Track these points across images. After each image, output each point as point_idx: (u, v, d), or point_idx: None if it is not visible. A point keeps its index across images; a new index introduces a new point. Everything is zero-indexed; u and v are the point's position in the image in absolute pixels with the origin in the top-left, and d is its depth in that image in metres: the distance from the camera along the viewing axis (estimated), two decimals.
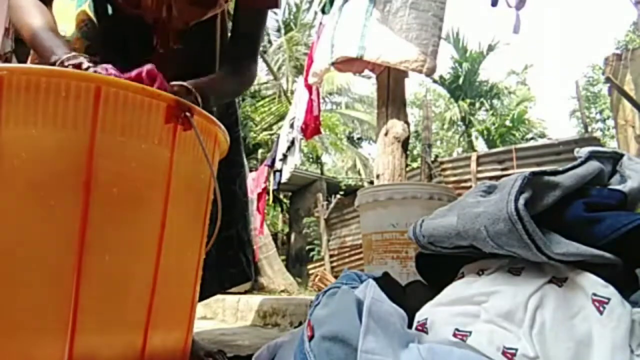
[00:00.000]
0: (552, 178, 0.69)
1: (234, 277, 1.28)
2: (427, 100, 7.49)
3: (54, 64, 0.79)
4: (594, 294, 0.58)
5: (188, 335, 0.81)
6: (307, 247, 8.23)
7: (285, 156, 4.41)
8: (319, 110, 3.89)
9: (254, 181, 5.15)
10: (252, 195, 5.08)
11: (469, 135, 13.51)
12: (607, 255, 0.63)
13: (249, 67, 1.11)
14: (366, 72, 2.60)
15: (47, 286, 0.62)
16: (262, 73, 11.96)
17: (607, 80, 4.41)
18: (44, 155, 0.64)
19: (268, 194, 5.21)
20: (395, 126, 2.39)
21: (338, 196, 7.43)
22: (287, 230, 10.68)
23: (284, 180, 4.67)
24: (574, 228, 0.66)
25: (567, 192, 0.69)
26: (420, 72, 2.09)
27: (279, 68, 11.33)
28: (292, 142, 4.21)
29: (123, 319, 0.67)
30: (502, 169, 4.71)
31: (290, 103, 6.69)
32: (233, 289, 1.44)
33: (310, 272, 6.78)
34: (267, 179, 5.00)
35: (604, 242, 0.63)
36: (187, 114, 0.73)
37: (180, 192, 0.74)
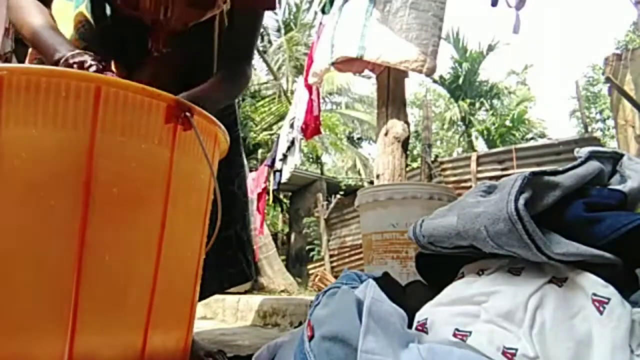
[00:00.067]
0: (552, 178, 0.69)
1: (233, 277, 1.28)
2: (427, 100, 7.49)
3: (57, 61, 0.78)
4: (594, 294, 0.58)
5: (188, 335, 0.81)
6: (307, 247, 8.23)
7: (285, 156, 4.41)
8: (319, 110, 3.89)
9: (254, 181, 5.15)
10: (252, 195, 5.08)
11: (469, 135, 13.51)
12: (607, 255, 0.63)
13: (244, 69, 1.11)
14: (366, 72, 2.60)
15: (47, 286, 0.62)
16: (262, 73, 11.97)
17: (607, 80, 4.40)
18: (44, 155, 0.64)
19: (268, 194, 5.21)
20: (395, 126, 2.39)
21: (338, 196, 7.43)
22: (287, 230, 10.68)
23: (284, 180, 4.67)
24: (574, 228, 0.66)
25: (567, 192, 0.69)
26: (420, 72, 2.09)
27: (279, 68, 11.33)
28: (292, 142, 4.21)
29: (123, 318, 0.67)
30: (502, 169, 4.71)
31: (290, 103, 6.69)
32: (233, 289, 1.44)
33: (310, 272, 6.78)
34: (267, 179, 5.00)
35: (604, 242, 0.63)
36: (187, 114, 0.73)
37: (180, 192, 0.74)
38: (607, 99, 9.36)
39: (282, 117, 8.76)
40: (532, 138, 12.92)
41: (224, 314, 2.88)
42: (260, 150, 9.53)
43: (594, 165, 0.74)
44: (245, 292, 4.69)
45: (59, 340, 0.61)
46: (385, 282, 0.75)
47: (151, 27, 1.02)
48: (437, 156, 7.52)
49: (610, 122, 12.44)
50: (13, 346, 0.60)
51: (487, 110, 13.91)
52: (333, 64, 2.40)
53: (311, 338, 0.60)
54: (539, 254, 0.61)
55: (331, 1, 2.75)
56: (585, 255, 0.62)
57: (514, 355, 0.57)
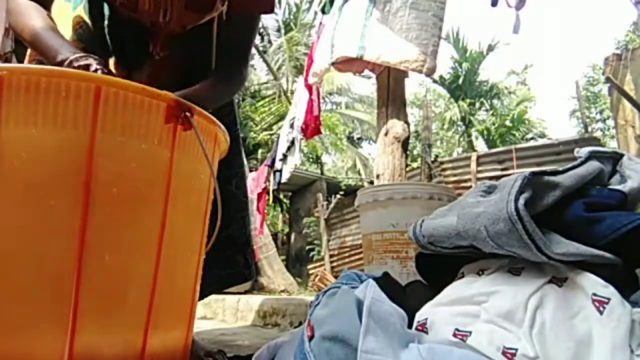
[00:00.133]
0: (552, 178, 0.69)
1: (230, 278, 1.27)
2: (427, 100, 7.49)
3: (60, 62, 0.78)
4: (594, 294, 0.58)
5: (188, 334, 0.81)
6: (307, 247, 8.23)
7: (285, 156, 4.41)
8: (319, 110, 3.88)
9: (254, 181, 5.15)
10: (252, 195, 5.07)
11: (469, 135, 13.51)
12: (607, 255, 0.63)
13: (240, 70, 1.11)
14: (366, 72, 2.60)
15: (47, 286, 0.62)
16: (262, 73, 11.97)
17: (607, 80, 4.40)
18: (44, 155, 0.64)
19: (268, 194, 5.21)
20: (395, 126, 2.39)
21: (338, 196, 7.43)
22: (287, 230, 10.68)
23: (284, 180, 4.67)
24: (574, 228, 0.66)
25: (567, 192, 0.69)
26: (420, 72, 2.09)
27: (279, 68, 11.32)
28: (292, 142, 4.20)
29: (123, 318, 0.68)
30: (502, 169, 4.70)
31: (290, 103, 6.69)
32: (233, 289, 1.44)
33: (310, 272, 6.78)
34: (267, 179, 5.00)
35: (604, 242, 0.63)
36: (187, 114, 0.73)
37: (180, 192, 0.74)
38: (607, 99, 9.36)
39: (282, 117, 8.76)
40: (532, 138, 12.92)
41: (224, 314, 2.88)
42: (260, 150, 9.53)
43: (594, 165, 0.74)
44: (245, 292, 4.69)
45: (59, 340, 0.61)
46: (385, 282, 0.75)
47: (150, 29, 1.02)
48: (437, 156, 7.52)
49: (610, 122, 12.44)
50: (13, 345, 0.60)
51: (487, 110, 13.91)
52: (333, 64, 2.40)
53: (311, 338, 0.60)
54: (539, 254, 0.61)
55: (331, 1, 2.75)
56: (585, 255, 0.62)
57: (514, 355, 0.57)
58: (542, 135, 13.01)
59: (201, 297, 1.17)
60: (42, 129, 0.64)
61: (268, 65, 11.11)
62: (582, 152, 0.77)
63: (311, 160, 11.63)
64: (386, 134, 2.41)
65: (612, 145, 9.96)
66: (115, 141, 0.67)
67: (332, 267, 6.48)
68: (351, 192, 7.19)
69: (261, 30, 11.21)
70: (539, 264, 0.65)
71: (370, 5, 2.28)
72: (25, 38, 0.88)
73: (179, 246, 0.76)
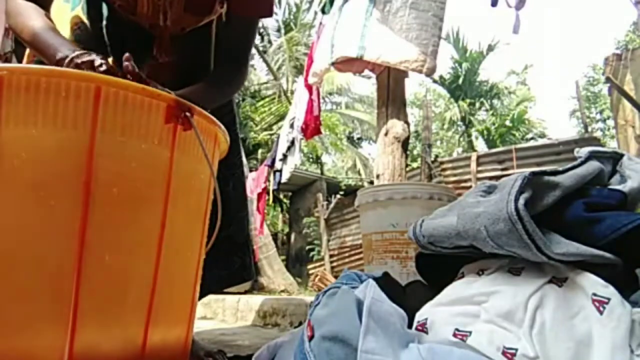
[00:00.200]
0: (552, 178, 0.69)
1: (230, 277, 1.27)
2: (427, 100, 7.49)
3: (60, 60, 0.78)
4: (594, 294, 0.58)
5: (188, 334, 0.81)
6: (307, 247, 8.23)
7: (285, 156, 4.41)
8: (319, 110, 3.88)
9: (254, 181, 5.15)
10: (252, 195, 5.08)
11: (469, 135, 13.51)
12: (607, 255, 0.63)
13: (240, 71, 1.11)
14: (366, 72, 2.60)
15: (47, 286, 0.62)
16: (262, 73, 11.97)
17: (607, 80, 4.40)
18: (44, 155, 0.64)
19: (268, 194, 5.21)
20: (395, 126, 2.39)
21: (338, 196, 7.43)
22: (287, 230, 10.68)
23: (284, 180, 4.67)
24: (574, 228, 0.66)
25: (567, 192, 0.69)
26: (420, 72, 2.09)
27: (279, 68, 11.33)
28: (292, 142, 4.21)
29: (123, 318, 0.67)
30: (502, 169, 4.71)
31: (290, 103, 6.69)
32: (233, 289, 1.44)
33: (310, 272, 6.78)
34: (267, 179, 5.00)
35: (604, 242, 0.63)
36: (187, 114, 0.73)
37: (180, 192, 0.74)
38: (607, 99, 9.36)
39: (282, 117, 8.76)
40: (532, 138, 12.92)
41: (224, 314, 2.88)
42: (260, 150, 9.53)
43: (594, 165, 0.74)
44: (245, 292, 4.70)
45: (59, 340, 0.61)
46: (385, 282, 0.75)
47: (150, 31, 1.03)
48: (437, 156, 7.52)
49: (610, 122, 12.44)
50: (13, 345, 0.60)
51: (487, 110, 13.91)
52: (333, 64, 2.40)
53: (311, 338, 0.60)
54: (539, 254, 0.61)
55: (331, 1, 2.75)
56: (585, 255, 0.62)
57: (514, 355, 0.57)
58: (542, 135, 13.01)
59: (201, 297, 1.17)
60: (42, 129, 0.64)
61: (268, 65, 11.11)
62: (582, 152, 0.77)
63: (311, 160, 11.63)
64: (386, 134, 2.41)
65: (612, 145, 9.96)
66: (115, 141, 0.67)
67: (332, 267, 6.48)
68: (351, 192, 7.19)
69: (261, 30, 11.21)
70: (539, 264, 0.65)
71: (370, 5, 2.28)
72: (24, 38, 0.88)
73: (179, 246, 0.76)
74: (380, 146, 2.43)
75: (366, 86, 12.13)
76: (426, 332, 0.67)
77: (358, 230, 5.58)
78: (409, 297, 0.80)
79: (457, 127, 14.05)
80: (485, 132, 12.60)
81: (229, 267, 1.26)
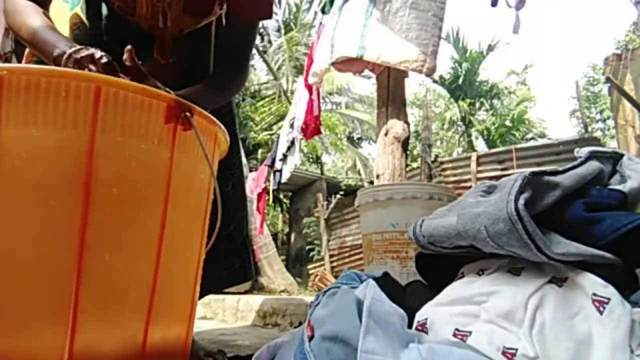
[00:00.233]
0: (552, 178, 0.69)
1: (230, 277, 1.27)
2: (427, 100, 7.49)
3: (58, 57, 0.78)
4: (594, 294, 0.58)
5: (188, 334, 0.81)
6: (307, 247, 8.23)
7: (285, 156, 4.41)
8: (319, 110, 3.88)
9: (254, 181, 5.15)
10: (252, 195, 5.08)
11: (469, 135, 13.51)
12: (607, 255, 0.63)
13: (240, 71, 1.11)
14: (366, 72, 2.60)
15: (47, 286, 0.62)
16: (262, 73, 11.97)
17: (607, 80, 4.41)
18: (44, 155, 0.64)
19: (268, 194, 5.21)
20: (395, 126, 2.39)
21: (338, 196, 7.43)
22: (287, 230, 10.68)
23: (284, 180, 4.67)
24: (574, 228, 0.66)
25: (567, 192, 0.69)
26: (420, 72, 2.09)
27: (279, 68, 11.33)
28: (292, 142, 4.20)
29: (123, 318, 0.67)
30: (502, 169, 4.71)
31: (290, 103, 6.69)
32: (233, 289, 1.44)
33: (310, 272, 6.78)
34: (267, 179, 5.00)
35: (604, 242, 0.63)
36: (187, 114, 0.73)
37: (180, 192, 0.74)
38: (607, 99, 9.36)
39: (282, 117, 8.76)
40: (532, 138, 12.92)
41: (224, 314, 2.88)
42: (260, 150, 9.53)
43: (594, 165, 0.74)
44: (245, 292, 4.70)
45: (59, 340, 0.61)
46: (385, 282, 0.75)
47: (149, 32, 1.03)
48: (437, 156, 7.52)
49: (610, 122, 12.44)
50: (13, 345, 0.60)
51: (487, 110, 13.91)
52: (333, 64, 2.39)
53: (311, 338, 0.60)
54: (539, 254, 0.61)
55: (331, 1, 2.75)
56: (585, 255, 0.62)
57: (514, 355, 0.57)
58: (542, 135, 13.01)
59: (201, 297, 1.17)
60: (42, 129, 0.64)
61: (268, 65, 11.11)
62: (582, 152, 0.77)
63: (311, 160, 11.63)
64: (386, 134, 2.41)
65: (612, 145, 9.96)
66: (115, 141, 0.67)
67: (332, 267, 6.48)
68: (351, 192, 7.19)
69: (261, 30, 11.21)
70: (539, 264, 0.65)
71: (370, 5, 2.28)
72: (23, 37, 0.88)
73: (179, 246, 0.76)
74: (380, 146, 2.43)
75: (366, 86, 12.14)
76: (426, 332, 0.67)
77: (358, 230, 5.58)
78: (409, 297, 0.80)
79: (457, 127, 14.05)
80: (485, 132, 12.60)
81: (228, 267, 1.26)
